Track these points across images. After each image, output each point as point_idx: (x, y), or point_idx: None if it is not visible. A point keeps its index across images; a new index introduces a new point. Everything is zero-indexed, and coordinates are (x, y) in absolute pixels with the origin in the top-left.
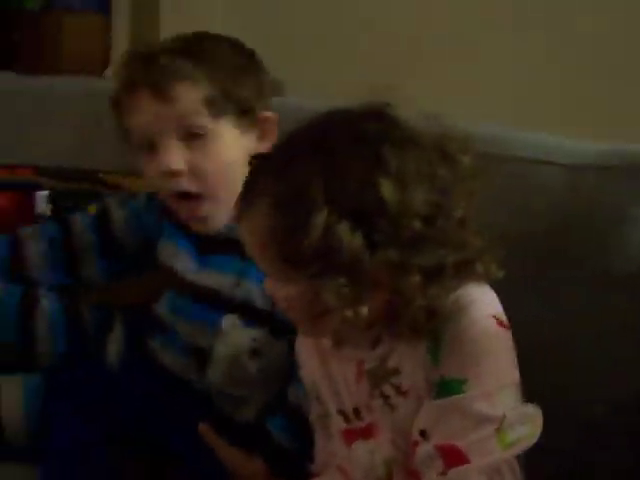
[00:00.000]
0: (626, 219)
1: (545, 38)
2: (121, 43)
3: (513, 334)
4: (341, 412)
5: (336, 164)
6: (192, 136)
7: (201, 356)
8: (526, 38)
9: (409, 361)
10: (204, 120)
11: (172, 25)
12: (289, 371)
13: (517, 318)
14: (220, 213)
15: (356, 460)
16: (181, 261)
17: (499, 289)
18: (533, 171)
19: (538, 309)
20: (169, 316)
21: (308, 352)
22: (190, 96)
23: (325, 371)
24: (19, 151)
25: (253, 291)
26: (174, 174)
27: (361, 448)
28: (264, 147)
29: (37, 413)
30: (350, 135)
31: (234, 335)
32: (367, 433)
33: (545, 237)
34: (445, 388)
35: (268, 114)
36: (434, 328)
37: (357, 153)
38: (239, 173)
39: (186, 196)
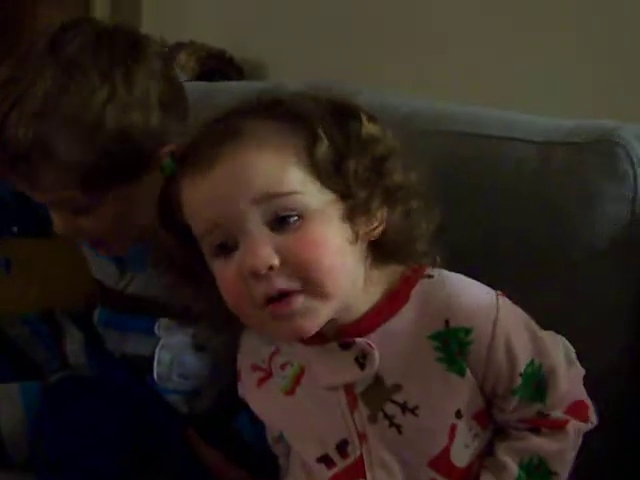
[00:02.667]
0: (594, 195)
1: None
2: (100, 12)
3: None
4: (323, 459)
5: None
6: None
7: (140, 361)
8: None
9: (413, 374)
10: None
11: None
12: None
13: None
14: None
15: None
16: (102, 271)
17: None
18: (503, 148)
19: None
20: (101, 330)
21: (268, 403)
22: None
23: (296, 418)
24: None
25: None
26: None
27: None
28: None
29: (36, 418)
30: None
31: (172, 336)
32: (357, 471)
33: (514, 214)
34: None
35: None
36: (443, 332)
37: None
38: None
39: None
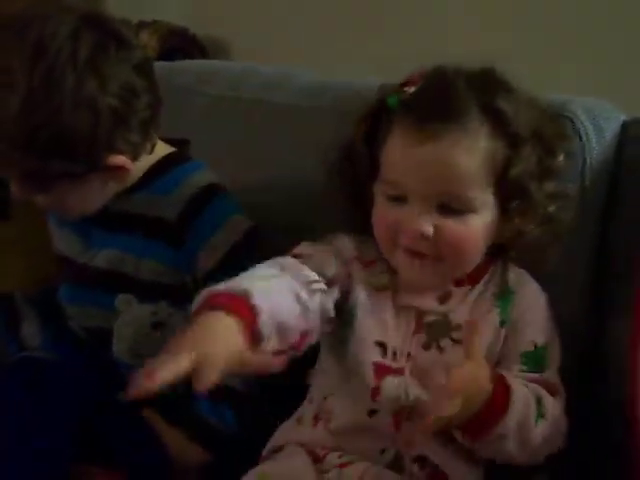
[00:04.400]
0: None
1: None
2: None
3: None
4: (380, 345)
5: None
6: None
7: (101, 335)
8: None
9: (477, 319)
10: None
11: None
12: None
13: None
14: None
15: (387, 393)
16: (67, 244)
17: None
18: None
19: None
20: (65, 305)
21: (357, 283)
22: None
23: (373, 307)
24: None
25: (143, 265)
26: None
27: (391, 382)
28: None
29: None
30: None
31: (132, 312)
32: (398, 372)
33: None
34: (535, 358)
35: (118, 161)
36: (506, 291)
37: None
38: None
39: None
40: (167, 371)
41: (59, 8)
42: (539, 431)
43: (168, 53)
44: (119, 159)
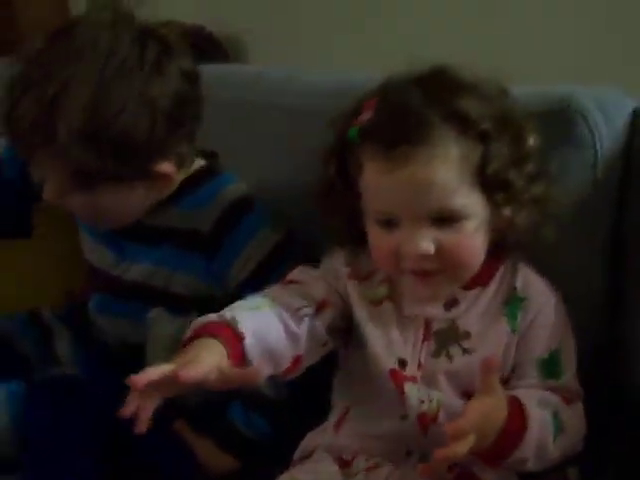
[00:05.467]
0: (556, 163)
1: None
2: (80, 5)
3: None
4: (391, 355)
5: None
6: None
7: (130, 348)
8: None
9: (486, 327)
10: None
11: None
12: None
13: None
14: None
15: (411, 397)
16: (99, 255)
17: None
18: None
19: None
20: (96, 316)
21: (356, 299)
22: None
23: (375, 321)
24: None
25: (175, 278)
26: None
27: (412, 388)
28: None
29: (23, 419)
30: None
31: (164, 326)
32: (412, 380)
33: None
34: (550, 364)
35: (164, 169)
36: (514, 297)
37: None
38: None
39: None
40: (152, 372)
41: (114, 15)
42: (558, 445)
43: None
44: (167, 166)
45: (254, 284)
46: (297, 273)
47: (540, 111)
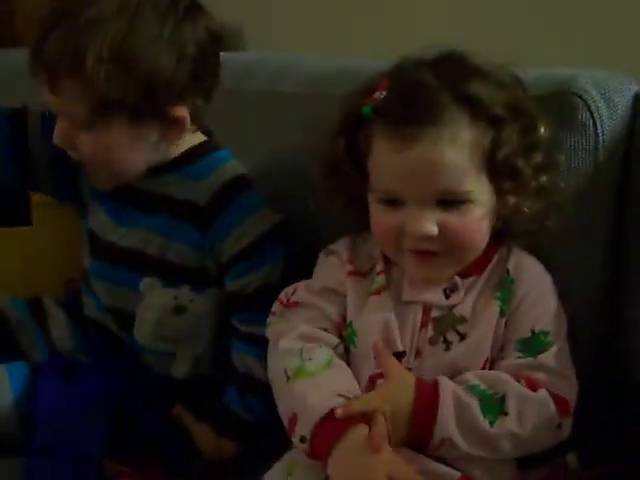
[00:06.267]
0: (556, 146)
1: None
2: None
3: None
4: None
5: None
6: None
7: (123, 317)
8: None
9: (479, 311)
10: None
11: None
12: (220, 324)
13: None
14: None
15: None
16: (97, 221)
17: None
18: None
19: None
20: (92, 278)
21: (354, 295)
22: None
23: (371, 316)
24: None
25: (169, 246)
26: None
27: None
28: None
29: (26, 399)
30: None
31: (155, 296)
32: None
33: None
34: (532, 344)
35: (180, 113)
36: (506, 280)
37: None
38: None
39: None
40: None
41: None
42: (501, 428)
43: None
44: (183, 111)
45: (244, 261)
46: (304, 294)
47: (541, 94)
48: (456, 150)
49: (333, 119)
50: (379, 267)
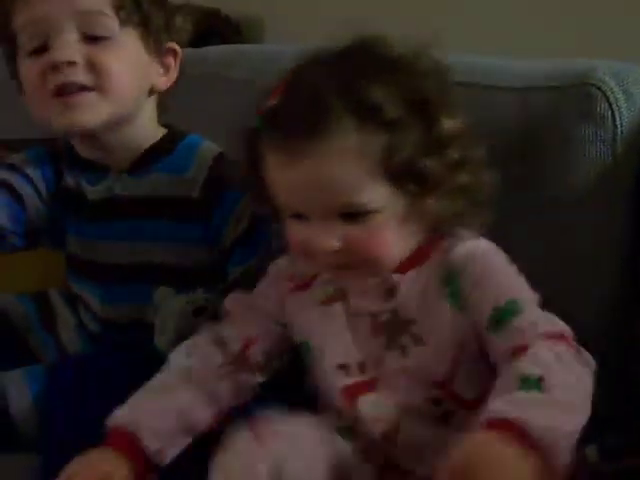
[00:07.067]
0: (575, 139)
1: None
2: None
3: None
4: (343, 367)
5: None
6: (94, 39)
7: (138, 328)
8: None
9: (430, 313)
10: (110, 22)
11: None
12: None
13: None
14: (102, 110)
15: (364, 414)
16: (91, 247)
17: None
18: (483, 96)
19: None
20: (101, 309)
21: (302, 311)
22: None
23: (325, 328)
24: None
25: (173, 250)
26: (68, 65)
27: (367, 401)
28: (164, 83)
29: (43, 399)
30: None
31: (172, 304)
32: (371, 386)
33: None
34: (503, 314)
35: (175, 46)
36: (452, 274)
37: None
38: (133, 89)
39: (71, 90)
40: None
41: None
42: (562, 390)
43: (203, 36)
44: (175, 46)
45: (248, 240)
46: (231, 302)
47: (559, 86)
48: (348, 162)
49: None
50: (326, 275)
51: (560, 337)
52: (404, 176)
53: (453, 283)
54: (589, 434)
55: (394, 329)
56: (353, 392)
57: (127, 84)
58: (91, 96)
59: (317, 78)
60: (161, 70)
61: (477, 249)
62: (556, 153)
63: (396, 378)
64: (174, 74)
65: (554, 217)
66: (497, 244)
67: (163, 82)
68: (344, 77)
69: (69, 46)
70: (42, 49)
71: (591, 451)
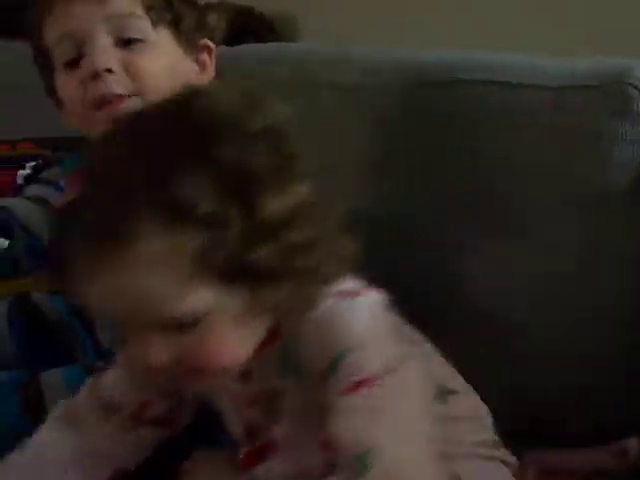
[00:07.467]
0: (610, 138)
1: None
2: None
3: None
4: (236, 436)
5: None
6: (128, 42)
7: None
8: None
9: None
10: (142, 23)
11: None
12: None
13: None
14: None
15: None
16: None
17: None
18: (517, 95)
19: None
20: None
21: None
22: None
23: (217, 397)
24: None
25: None
26: (106, 73)
27: (261, 469)
28: (202, 80)
29: None
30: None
31: None
32: (262, 455)
33: (532, 161)
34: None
35: (208, 42)
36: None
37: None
38: (172, 89)
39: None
40: None
41: None
42: None
43: (237, 34)
44: (208, 44)
45: None
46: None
47: (596, 85)
48: (158, 270)
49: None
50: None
51: None
52: (232, 273)
53: (299, 373)
54: (632, 425)
55: (265, 401)
56: (248, 462)
57: (165, 85)
58: (131, 102)
59: (112, 167)
60: (197, 68)
61: (328, 328)
62: (591, 152)
63: (285, 444)
64: (211, 71)
65: (589, 216)
66: (531, 245)
67: (201, 80)
68: (153, 164)
69: (104, 51)
70: (77, 60)
71: (633, 443)
